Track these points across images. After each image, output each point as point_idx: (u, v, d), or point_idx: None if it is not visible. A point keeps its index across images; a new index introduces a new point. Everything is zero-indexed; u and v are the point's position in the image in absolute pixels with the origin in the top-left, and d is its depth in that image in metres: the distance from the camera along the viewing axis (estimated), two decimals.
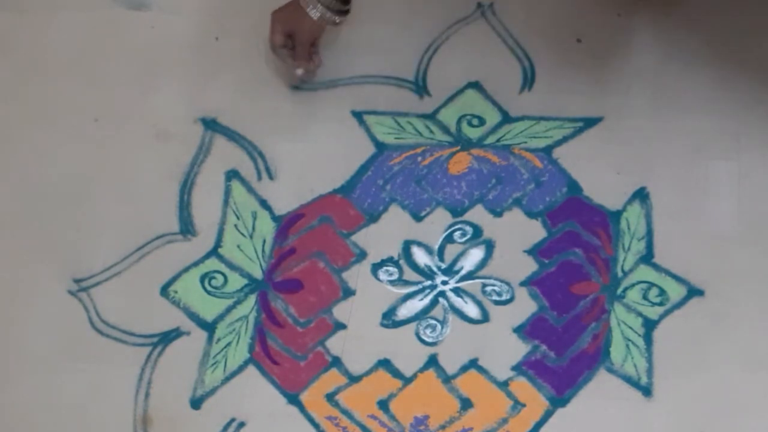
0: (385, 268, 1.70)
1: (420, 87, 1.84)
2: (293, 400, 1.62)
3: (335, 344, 1.64)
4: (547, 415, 1.56)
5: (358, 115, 1.83)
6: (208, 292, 1.71)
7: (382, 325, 1.65)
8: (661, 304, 1.60)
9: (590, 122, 1.75)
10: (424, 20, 1.89)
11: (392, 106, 1.83)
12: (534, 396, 1.57)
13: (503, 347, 1.60)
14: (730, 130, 1.69)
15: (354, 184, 1.77)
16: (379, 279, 1.69)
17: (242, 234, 1.76)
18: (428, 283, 1.68)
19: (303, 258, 1.72)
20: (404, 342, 1.63)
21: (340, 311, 1.67)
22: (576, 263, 1.64)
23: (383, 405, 1.60)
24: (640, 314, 1.60)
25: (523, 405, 1.57)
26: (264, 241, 1.74)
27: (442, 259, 1.69)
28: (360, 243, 1.72)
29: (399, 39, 1.88)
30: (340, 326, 1.66)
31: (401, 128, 1.80)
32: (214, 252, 1.75)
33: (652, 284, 1.61)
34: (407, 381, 1.61)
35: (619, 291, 1.61)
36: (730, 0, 1.78)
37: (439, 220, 1.72)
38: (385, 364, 1.62)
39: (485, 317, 1.64)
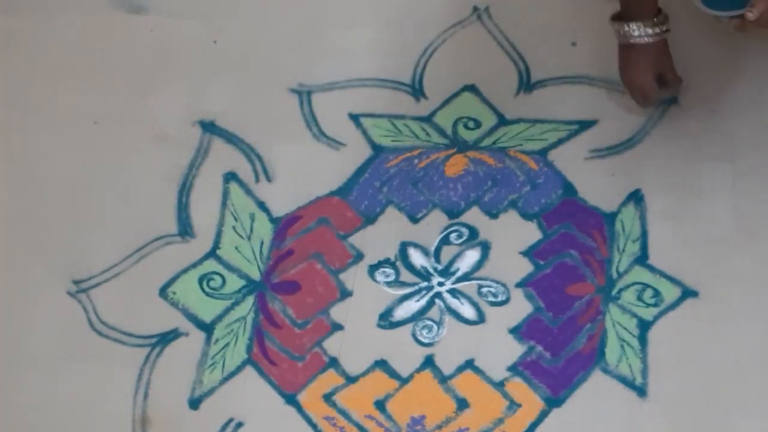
0: (382, 269, 1.70)
1: (416, 90, 1.84)
2: (291, 400, 1.62)
3: (332, 345, 1.64)
4: (543, 416, 1.55)
5: (355, 118, 1.83)
6: (207, 294, 1.71)
7: (379, 326, 1.65)
8: (655, 305, 1.59)
9: (585, 125, 1.75)
10: (420, 23, 1.88)
11: (389, 109, 1.82)
12: (530, 396, 1.56)
13: (499, 348, 1.60)
14: (725, 131, 1.68)
15: (351, 186, 1.76)
16: (376, 280, 1.69)
17: (240, 236, 1.75)
18: (425, 284, 1.67)
19: (301, 259, 1.72)
20: (401, 343, 1.63)
21: (337, 312, 1.67)
22: (571, 265, 1.64)
23: (380, 405, 1.59)
24: (634, 315, 1.59)
25: (519, 405, 1.56)
26: (262, 243, 1.74)
27: (438, 261, 1.69)
28: (357, 245, 1.72)
29: (395, 42, 1.88)
30: (338, 327, 1.66)
31: (398, 131, 1.80)
32: (212, 253, 1.75)
33: (646, 285, 1.61)
34: (404, 381, 1.61)
35: (614, 292, 1.61)
36: None
37: (435, 221, 1.71)
38: (381, 364, 1.62)
39: (481, 318, 1.63)
